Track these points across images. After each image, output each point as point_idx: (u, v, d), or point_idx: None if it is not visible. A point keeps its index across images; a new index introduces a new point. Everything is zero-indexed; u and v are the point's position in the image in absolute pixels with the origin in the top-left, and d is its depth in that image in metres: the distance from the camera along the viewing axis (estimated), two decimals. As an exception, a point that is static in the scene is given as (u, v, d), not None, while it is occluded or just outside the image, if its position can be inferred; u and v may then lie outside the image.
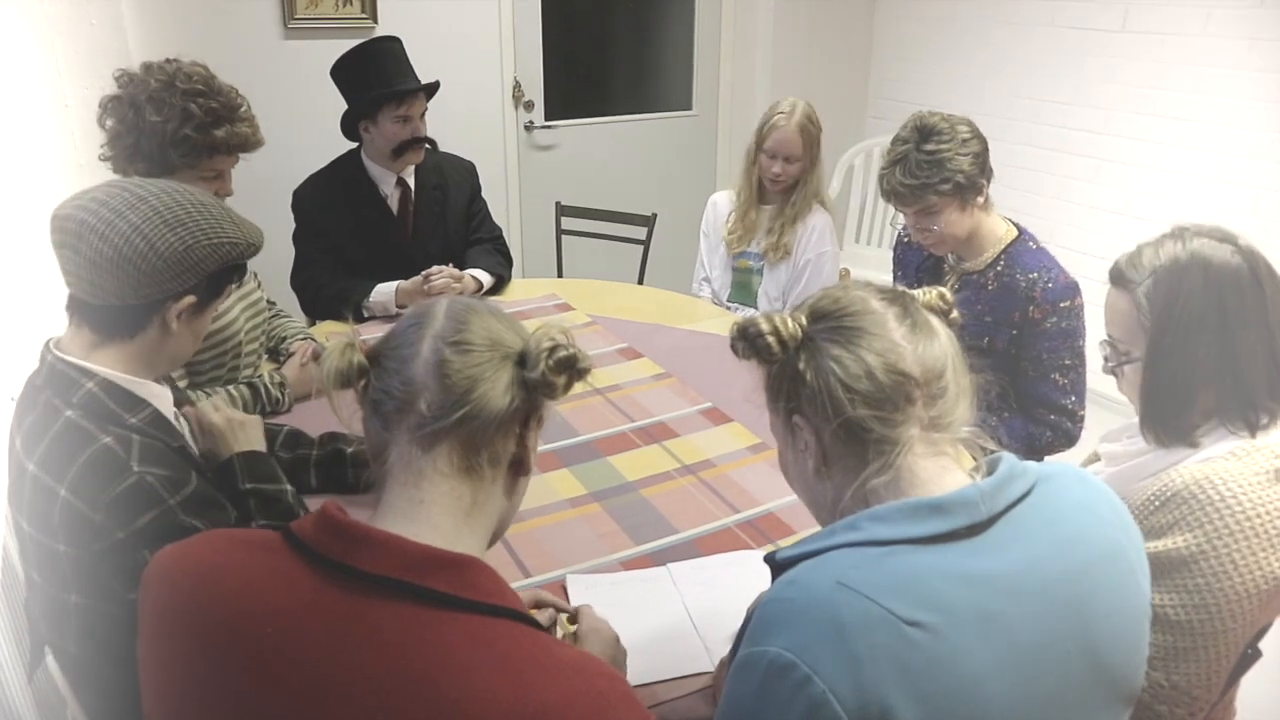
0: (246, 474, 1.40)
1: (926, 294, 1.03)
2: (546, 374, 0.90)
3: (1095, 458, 1.46)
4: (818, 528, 1.00)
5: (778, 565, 0.95)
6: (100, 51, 2.71)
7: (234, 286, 1.36)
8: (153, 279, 1.19)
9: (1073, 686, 0.89)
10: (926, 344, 0.94)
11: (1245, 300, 1.20)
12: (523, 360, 0.91)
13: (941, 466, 0.94)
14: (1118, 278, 1.29)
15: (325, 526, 0.84)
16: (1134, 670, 0.96)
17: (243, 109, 1.83)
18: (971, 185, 1.90)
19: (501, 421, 0.89)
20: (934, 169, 1.86)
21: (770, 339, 0.96)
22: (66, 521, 1.13)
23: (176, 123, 1.73)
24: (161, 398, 1.30)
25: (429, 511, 0.88)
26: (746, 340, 0.98)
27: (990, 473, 0.94)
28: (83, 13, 2.81)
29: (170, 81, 1.74)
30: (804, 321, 0.97)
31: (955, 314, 1.04)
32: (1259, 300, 1.21)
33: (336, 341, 0.91)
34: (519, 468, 0.94)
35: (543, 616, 1.22)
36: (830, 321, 0.96)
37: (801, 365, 0.95)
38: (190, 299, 1.23)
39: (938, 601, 0.84)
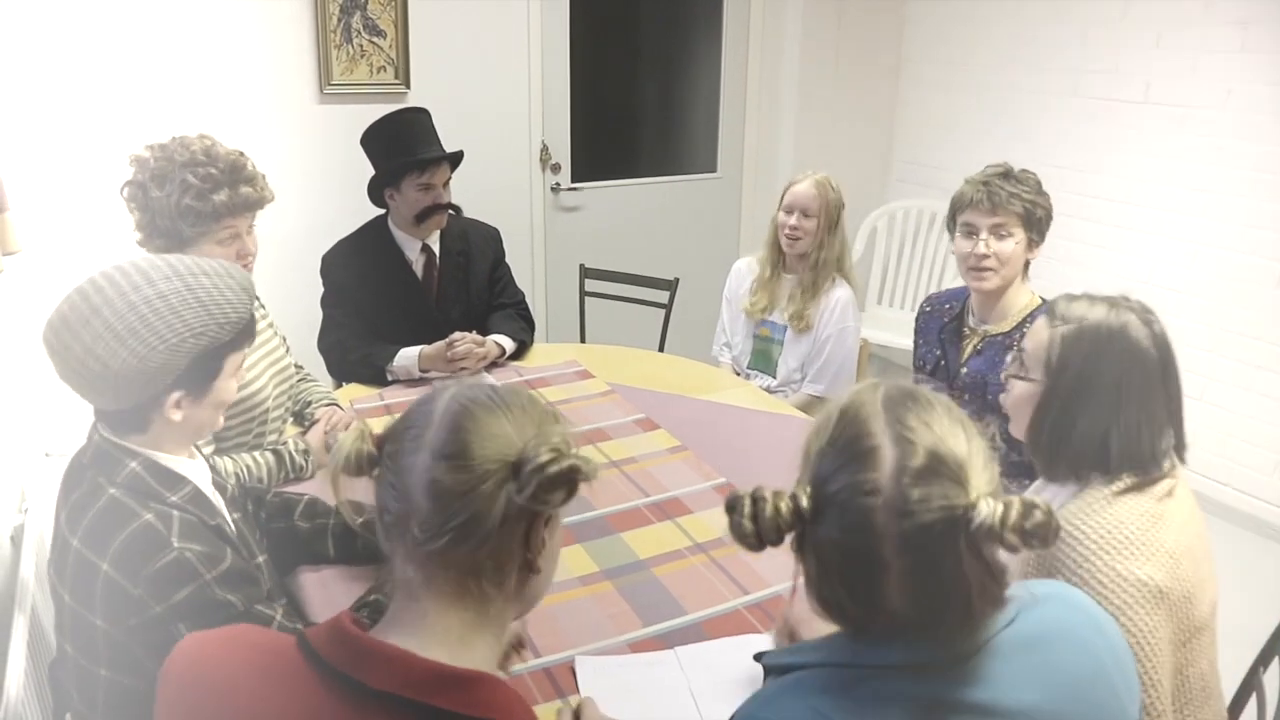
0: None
1: None
2: (539, 493, 0.86)
3: None
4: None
5: (766, 668, 0.99)
6: (140, 124, 2.81)
7: (238, 354, 1.33)
8: (124, 390, 1.20)
9: None
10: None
11: (1147, 383, 1.32)
12: (518, 471, 0.87)
13: None
14: (1051, 310, 1.40)
15: (336, 637, 0.86)
16: None
17: (246, 170, 1.85)
18: (1042, 224, 2.08)
19: (499, 538, 0.87)
20: (1027, 188, 2.07)
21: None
22: (107, 596, 1.16)
23: (177, 195, 1.77)
24: (200, 475, 1.33)
25: (433, 625, 0.89)
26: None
27: None
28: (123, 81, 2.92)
29: (169, 157, 1.78)
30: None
31: None
32: (1153, 389, 1.32)
33: (349, 433, 0.94)
34: (528, 569, 0.93)
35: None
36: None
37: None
38: (177, 393, 1.24)
39: None
